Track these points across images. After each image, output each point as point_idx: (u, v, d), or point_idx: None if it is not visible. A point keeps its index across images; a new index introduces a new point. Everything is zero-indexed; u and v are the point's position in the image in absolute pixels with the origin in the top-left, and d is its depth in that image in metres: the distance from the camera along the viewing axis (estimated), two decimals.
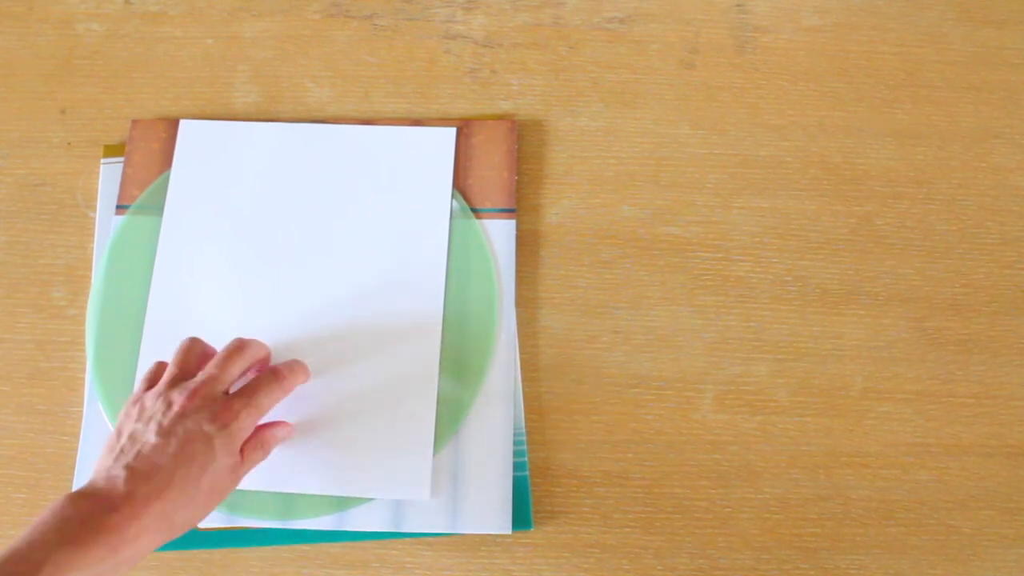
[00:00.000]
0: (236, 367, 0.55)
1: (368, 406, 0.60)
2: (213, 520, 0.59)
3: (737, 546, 0.60)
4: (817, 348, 0.64)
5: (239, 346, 0.56)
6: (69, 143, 0.69)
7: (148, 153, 0.68)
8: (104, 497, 0.47)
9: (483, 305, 0.63)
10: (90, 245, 0.66)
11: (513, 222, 0.66)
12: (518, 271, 0.65)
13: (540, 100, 0.70)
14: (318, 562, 0.59)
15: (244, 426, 0.53)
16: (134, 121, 0.69)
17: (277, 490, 0.59)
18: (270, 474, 0.58)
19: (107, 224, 0.66)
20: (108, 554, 0.46)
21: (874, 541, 0.60)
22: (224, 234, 0.65)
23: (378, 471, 0.59)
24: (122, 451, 0.50)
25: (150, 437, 0.50)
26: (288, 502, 0.59)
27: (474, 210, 0.66)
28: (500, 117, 0.69)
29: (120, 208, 0.66)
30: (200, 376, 0.53)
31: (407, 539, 0.59)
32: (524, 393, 0.62)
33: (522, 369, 0.62)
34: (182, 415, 0.51)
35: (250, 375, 0.58)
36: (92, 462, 0.60)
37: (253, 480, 0.57)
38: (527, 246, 0.66)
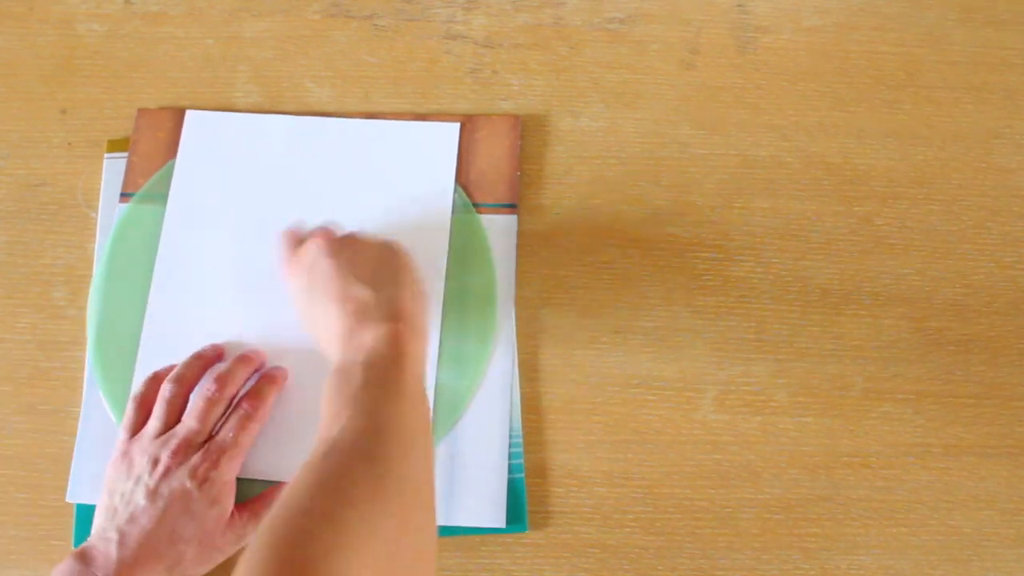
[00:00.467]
0: (215, 414, 0.57)
1: None
2: None
3: (737, 546, 0.60)
4: (817, 348, 0.64)
5: (219, 388, 0.57)
6: (69, 143, 0.69)
7: (154, 142, 0.68)
8: (100, 564, 0.51)
9: (482, 297, 0.64)
10: (90, 245, 0.66)
11: (514, 217, 0.66)
12: (518, 271, 0.65)
13: (541, 100, 0.70)
14: None
15: (225, 472, 0.55)
16: (140, 110, 0.69)
17: (272, 479, 0.59)
18: (264, 465, 0.59)
19: (110, 216, 0.66)
20: None
21: (874, 541, 0.60)
22: (227, 224, 0.66)
23: None
24: (115, 512, 0.53)
25: (139, 499, 0.53)
26: None
27: (475, 205, 0.66)
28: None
29: (124, 196, 0.66)
30: (181, 430, 0.56)
31: None
32: (524, 393, 0.62)
33: (521, 369, 0.62)
34: (166, 474, 0.54)
35: (251, 382, 0.60)
36: (90, 462, 0.60)
37: (249, 472, 0.58)
38: (527, 246, 0.66)
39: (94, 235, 0.66)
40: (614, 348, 0.63)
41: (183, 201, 0.66)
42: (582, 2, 0.73)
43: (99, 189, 0.67)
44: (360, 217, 0.65)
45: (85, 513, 0.59)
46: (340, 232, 0.59)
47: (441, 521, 0.59)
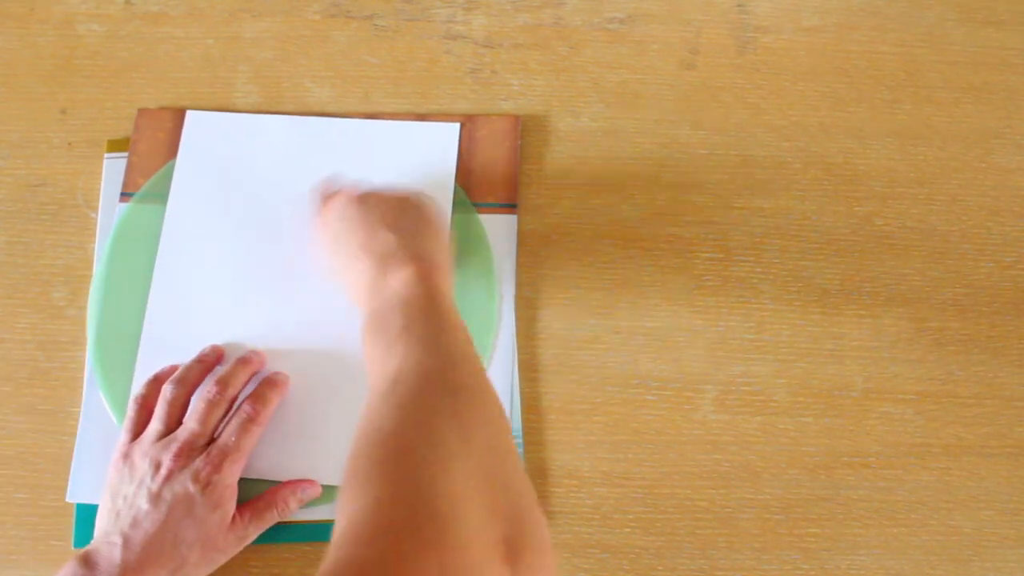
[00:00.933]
0: (216, 416, 0.57)
1: (365, 394, 0.61)
2: None
3: (737, 546, 0.59)
4: (817, 348, 0.64)
5: (220, 390, 0.58)
6: (69, 143, 0.69)
7: (154, 142, 0.68)
8: (104, 568, 0.51)
9: (482, 297, 0.64)
10: (90, 245, 0.66)
11: (514, 217, 0.66)
12: (518, 272, 0.65)
13: (541, 100, 0.70)
14: (319, 562, 0.59)
15: (227, 475, 0.55)
16: (140, 110, 0.69)
17: (274, 479, 0.59)
18: (266, 464, 0.59)
19: (110, 216, 0.66)
20: None
21: (875, 541, 0.60)
22: (228, 224, 0.66)
23: None
24: (118, 515, 0.54)
25: (142, 503, 0.53)
26: None
27: (475, 204, 0.66)
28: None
29: (124, 196, 0.66)
30: (182, 433, 0.56)
31: None
32: (523, 393, 0.62)
33: (522, 369, 0.62)
34: (168, 478, 0.54)
35: (251, 385, 0.60)
36: (90, 462, 0.60)
37: (250, 472, 0.58)
38: (528, 246, 0.66)
39: (94, 235, 0.66)
40: (614, 348, 0.63)
41: (183, 201, 0.66)
42: (582, 2, 0.73)
43: (99, 189, 0.67)
44: None
45: (85, 513, 0.59)
46: (365, 187, 0.60)
47: None
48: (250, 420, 0.57)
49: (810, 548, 0.59)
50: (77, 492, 0.59)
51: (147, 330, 0.63)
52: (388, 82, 0.71)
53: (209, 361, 0.60)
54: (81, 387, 0.62)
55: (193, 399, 0.58)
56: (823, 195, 0.68)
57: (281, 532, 0.59)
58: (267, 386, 0.59)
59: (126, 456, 0.56)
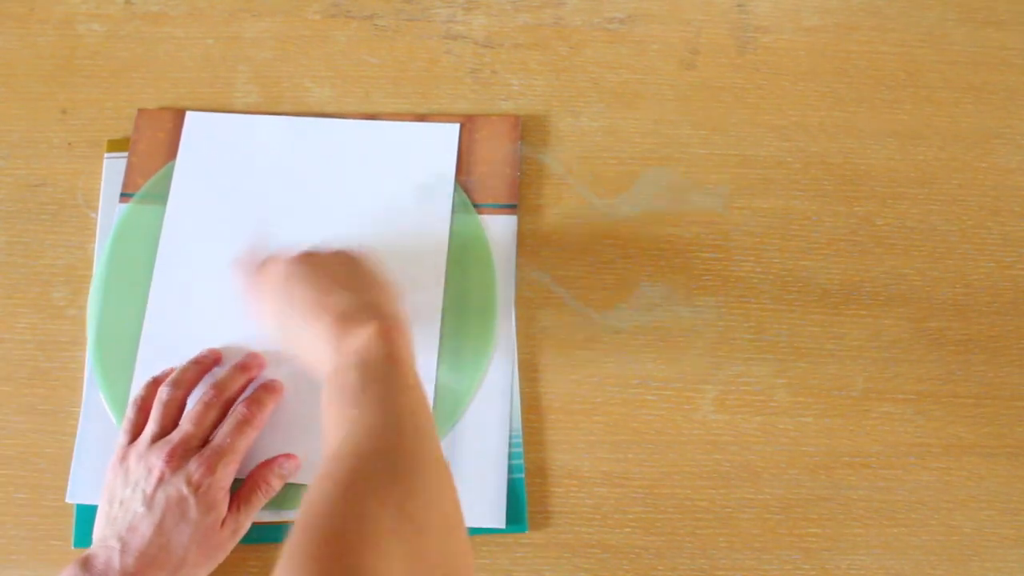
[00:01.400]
0: (211, 417, 0.57)
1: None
2: None
3: (737, 546, 0.59)
4: (817, 348, 0.64)
5: (216, 393, 0.58)
6: (70, 143, 0.69)
7: (154, 143, 0.68)
8: (103, 573, 0.51)
9: (482, 298, 0.64)
10: (90, 245, 0.66)
11: (514, 218, 0.66)
12: (518, 272, 0.65)
13: (541, 100, 0.70)
14: None
15: (221, 478, 0.55)
16: (140, 111, 0.69)
17: None
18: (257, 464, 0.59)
19: (110, 216, 0.66)
20: None
21: (875, 541, 0.60)
22: (227, 224, 0.66)
23: None
24: (115, 519, 0.54)
25: (137, 507, 0.53)
26: (282, 492, 0.59)
27: (475, 205, 0.66)
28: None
29: (124, 196, 0.66)
30: (177, 435, 0.56)
31: None
32: (524, 393, 0.62)
33: (522, 369, 0.62)
34: (161, 480, 0.54)
35: (248, 390, 0.60)
36: (90, 462, 0.60)
37: (243, 474, 0.58)
38: (528, 245, 0.66)
39: (94, 235, 0.66)
40: (614, 348, 0.63)
41: (183, 201, 0.66)
42: (582, 2, 0.73)
43: (99, 189, 0.67)
44: (359, 217, 0.65)
45: (85, 513, 0.59)
46: (299, 249, 0.58)
47: None
48: (245, 422, 0.57)
49: (810, 548, 0.59)
50: (77, 492, 0.59)
51: (147, 330, 0.63)
52: (388, 82, 0.71)
53: (206, 363, 0.60)
54: (81, 387, 0.62)
55: (189, 401, 0.58)
56: (823, 195, 0.68)
57: (280, 532, 0.59)
58: (263, 390, 0.59)
59: (123, 458, 0.56)
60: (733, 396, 0.63)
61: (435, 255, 0.64)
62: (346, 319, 0.51)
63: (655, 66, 0.71)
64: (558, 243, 0.66)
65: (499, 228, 0.66)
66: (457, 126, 0.68)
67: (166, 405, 0.57)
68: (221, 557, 0.55)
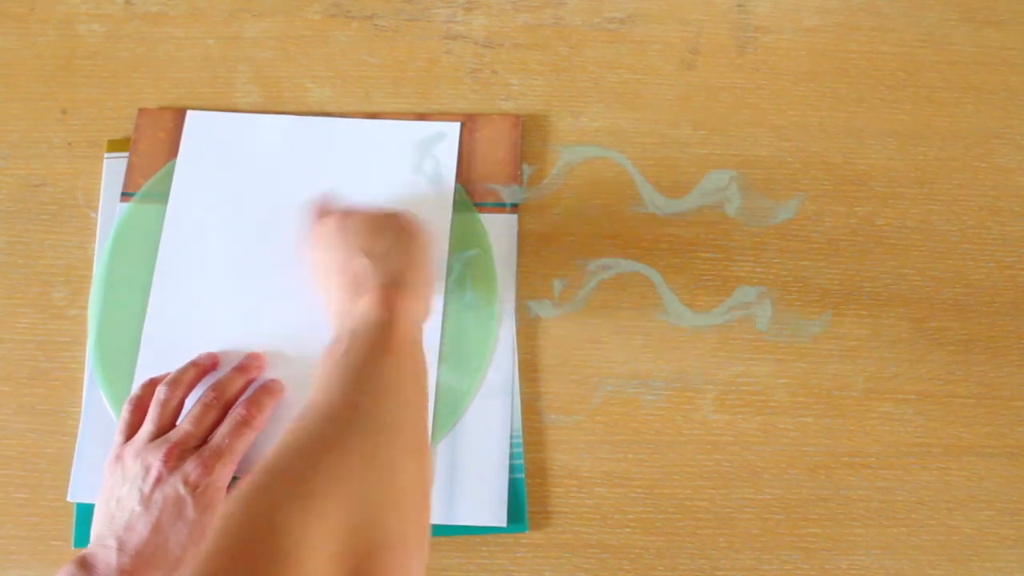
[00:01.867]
0: (210, 418, 0.57)
1: None
2: None
3: (737, 546, 0.59)
4: (817, 348, 0.64)
5: (216, 394, 0.58)
6: (70, 143, 0.69)
7: (154, 142, 0.68)
8: (101, 572, 0.51)
9: (482, 297, 0.64)
10: (91, 245, 0.66)
11: (514, 217, 0.66)
12: (518, 272, 0.65)
13: (541, 100, 0.70)
14: None
15: (218, 478, 0.55)
16: (141, 110, 0.69)
17: None
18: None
19: (110, 215, 0.66)
20: None
21: (875, 541, 0.60)
22: (228, 223, 0.66)
23: None
24: (113, 518, 0.54)
25: (134, 505, 0.53)
26: None
27: (476, 204, 0.66)
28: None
29: (125, 196, 0.66)
30: (175, 435, 0.56)
31: None
32: (524, 393, 0.62)
33: (522, 369, 0.62)
34: (159, 480, 0.54)
35: (247, 392, 0.60)
36: (90, 462, 0.60)
37: (241, 472, 0.58)
38: (528, 245, 0.66)
39: (94, 235, 0.66)
40: (614, 348, 0.63)
41: (184, 201, 0.66)
42: (582, 2, 0.73)
43: (99, 189, 0.67)
44: None
45: (85, 513, 0.59)
46: (353, 207, 0.60)
47: (442, 520, 0.59)
48: (243, 423, 0.57)
49: (810, 548, 0.59)
50: (77, 492, 0.60)
51: (147, 330, 0.63)
52: (388, 82, 0.71)
53: (204, 365, 0.60)
54: (81, 387, 0.62)
55: (188, 403, 0.58)
56: (823, 195, 0.68)
57: None
58: (263, 391, 0.59)
59: (119, 458, 0.56)
60: (733, 396, 0.63)
61: (435, 254, 0.64)
62: (358, 285, 0.53)
63: (655, 66, 0.71)
64: (558, 243, 0.66)
65: (499, 227, 0.66)
66: (458, 125, 0.69)
67: (163, 405, 0.57)
68: None
